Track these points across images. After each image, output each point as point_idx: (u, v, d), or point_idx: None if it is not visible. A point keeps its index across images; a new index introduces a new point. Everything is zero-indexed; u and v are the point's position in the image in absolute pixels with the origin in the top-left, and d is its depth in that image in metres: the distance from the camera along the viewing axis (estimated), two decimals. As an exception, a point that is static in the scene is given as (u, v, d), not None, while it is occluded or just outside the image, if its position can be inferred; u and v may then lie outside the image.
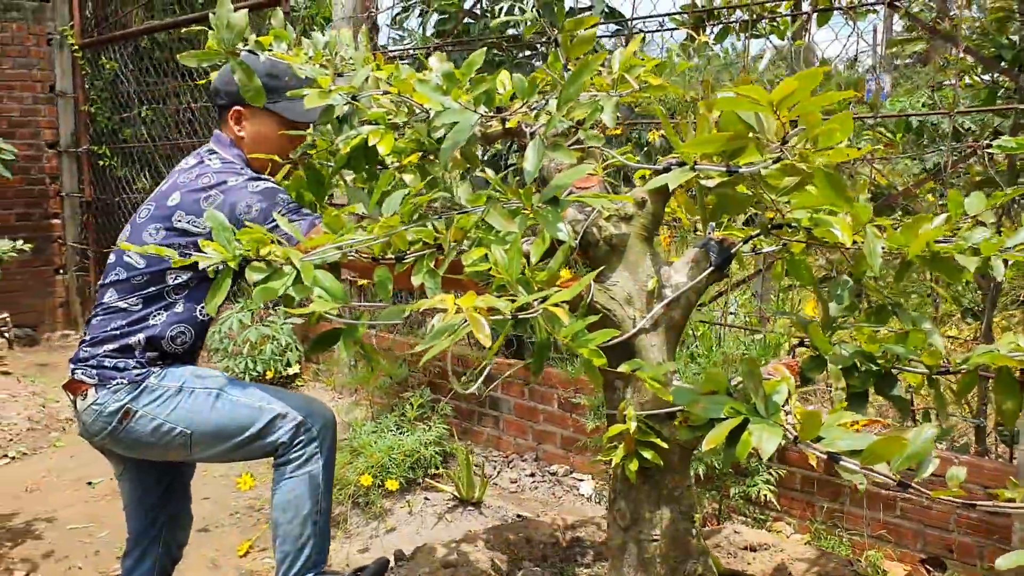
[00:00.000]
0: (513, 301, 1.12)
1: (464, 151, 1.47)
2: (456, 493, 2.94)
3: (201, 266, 1.29)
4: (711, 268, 1.45)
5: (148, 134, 5.46)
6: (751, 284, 3.45)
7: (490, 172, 1.37)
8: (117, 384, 1.74)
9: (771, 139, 0.97)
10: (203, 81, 2.13)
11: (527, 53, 3.66)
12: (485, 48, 1.53)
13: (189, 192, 1.78)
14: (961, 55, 2.43)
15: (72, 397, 1.80)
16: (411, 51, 4.02)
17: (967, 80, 2.84)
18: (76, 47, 5.61)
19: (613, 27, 3.61)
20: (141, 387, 1.75)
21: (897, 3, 2.50)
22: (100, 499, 3.20)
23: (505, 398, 3.46)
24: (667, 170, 1.30)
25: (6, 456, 3.65)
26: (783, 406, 1.21)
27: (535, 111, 1.36)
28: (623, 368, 1.28)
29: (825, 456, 1.14)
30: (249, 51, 1.60)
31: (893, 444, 1.08)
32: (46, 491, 3.29)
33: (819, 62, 3.17)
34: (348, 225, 1.39)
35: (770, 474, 2.62)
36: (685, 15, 2.68)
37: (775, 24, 2.77)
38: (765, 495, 2.59)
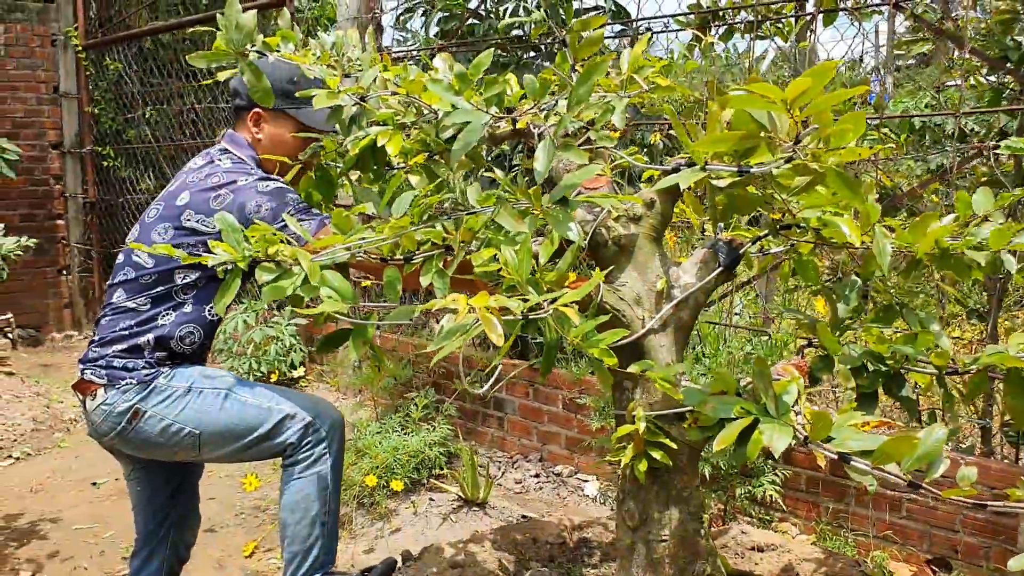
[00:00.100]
0: (524, 301, 1.12)
1: (471, 152, 1.47)
2: (461, 494, 2.94)
3: (210, 265, 1.30)
4: (720, 268, 1.45)
5: (152, 135, 5.47)
6: (755, 285, 3.45)
7: (499, 172, 1.37)
8: (126, 384, 1.74)
9: (783, 138, 0.97)
10: (208, 81, 2.13)
11: (532, 54, 3.66)
12: (491, 50, 1.53)
13: (199, 192, 1.78)
14: (967, 56, 2.42)
15: (81, 397, 1.80)
16: (415, 52, 4.03)
17: (971, 81, 2.83)
18: (80, 48, 5.62)
19: (617, 27, 3.61)
20: (150, 387, 1.75)
21: (903, 4, 2.50)
22: (105, 499, 3.20)
23: (509, 399, 3.46)
24: (676, 170, 1.30)
25: (11, 457, 3.66)
26: (793, 406, 1.21)
27: (545, 112, 1.36)
28: (633, 369, 1.28)
29: (836, 456, 1.14)
30: (260, 54, 1.60)
31: (904, 444, 1.08)
32: (51, 491, 3.29)
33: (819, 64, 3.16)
34: (357, 226, 1.39)
35: (776, 475, 2.62)
36: (691, 15, 2.68)
37: (779, 26, 2.77)
38: (771, 495, 2.59)
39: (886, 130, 3.19)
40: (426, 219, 1.36)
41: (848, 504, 2.55)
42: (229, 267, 1.31)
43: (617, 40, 3.79)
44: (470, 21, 3.85)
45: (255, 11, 1.58)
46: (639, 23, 3.33)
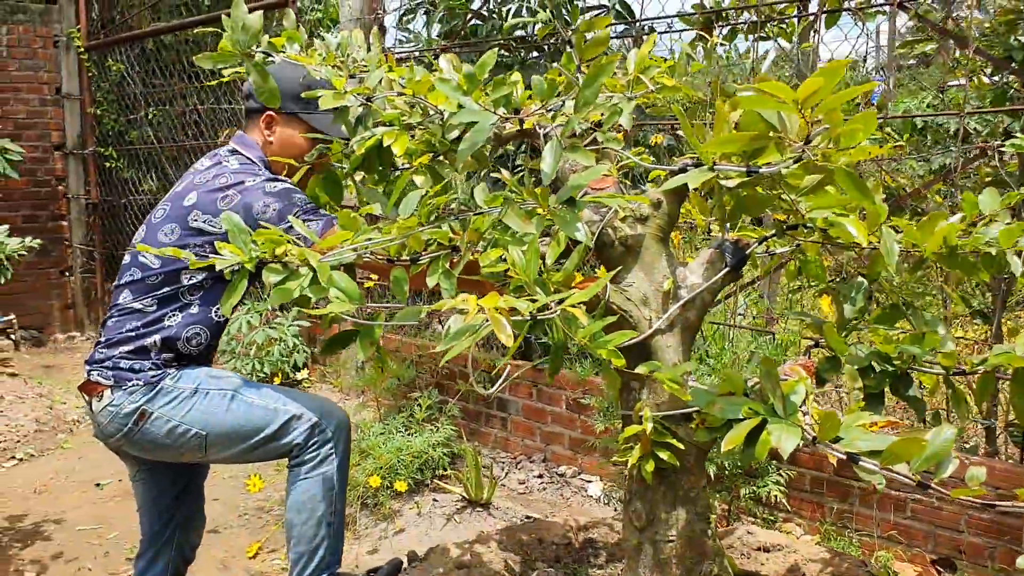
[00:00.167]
0: (533, 302, 1.12)
1: (476, 152, 1.47)
2: (465, 494, 2.94)
3: (217, 267, 1.30)
4: (727, 269, 1.45)
5: (154, 136, 5.47)
6: (758, 285, 3.45)
7: (505, 173, 1.37)
8: (133, 385, 1.74)
9: (794, 138, 0.97)
10: (213, 83, 2.14)
11: (535, 54, 3.66)
12: (496, 50, 1.53)
13: (206, 192, 1.79)
14: (971, 56, 2.42)
15: (87, 398, 1.80)
16: (417, 53, 4.03)
17: (975, 81, 2.83)
18: (82, 49, 5.63)
19: (621, 27, 3.61)
20: (156, 388, 1.75)
21: (907, 4, 2.50)
22: (108, 500, 3.20)
23: (513, 399, 3.46)
24: (683, 170, 1.30)
25: (14, 458, 3.66)
26: (800, 407, 1.21)
27: (551, 112, 1.36)
28: (641, 369, 1.28)
29: (844, 457, 1.14)
30: (266, 55, 1.60)
31: (913, 445, 1.08)
32: (54, 492, 3.29)
33: (824, 64, 3.16)
34: (363, 226, 1.39)
35: (780, 475, 2.62)
36: (695, 15, 2.68)
37: (783, 27, 2.77)
38: (775, 496, 2.59)
39: (888, 130, 3.19)
40: (433, 220, 1.36)
41: (852, 504, 2.55)
42: (236, 268, 1.31)
43: (620, 40, 3.79)
44: (473, 22, 3.85)
45: (261, 12, 1.58)
46: (642, 23, 3.33)
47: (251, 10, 1.59)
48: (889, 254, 1.24)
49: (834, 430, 1.14)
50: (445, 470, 3.15)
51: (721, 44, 2.67)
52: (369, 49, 1.70)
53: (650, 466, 1.36)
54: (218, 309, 1.81)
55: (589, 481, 3.17)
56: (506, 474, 3.28)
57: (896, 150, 3.05)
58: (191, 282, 1.78)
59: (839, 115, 0.93)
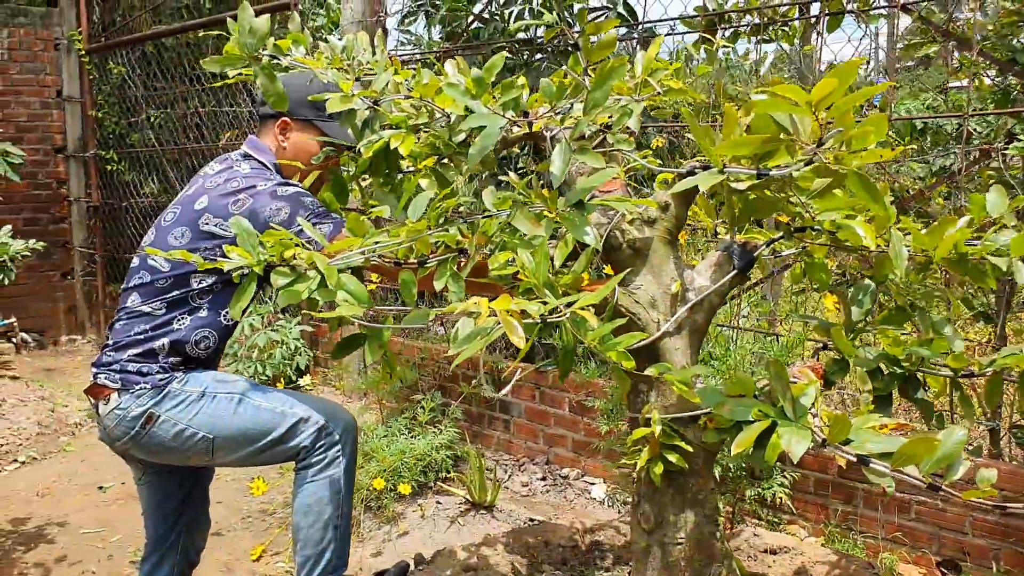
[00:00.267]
0: (543, 305, 1.12)
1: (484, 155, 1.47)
2: (468, 497, 2.93)
3: (225, 270, 1.30)
4: (734, 271, 1.45)
5: (155, 139, 5.47)
6: (761, 286, 3.45)
7: (514, 176, 1.37)
8: (140, 389, 1.74)
9: (806, 141, 0.97)
10: (218, 84, 2.14)
11: (538, 56, 3.67)
12: (503, 52, 1.53)
13: (218, 196, 1.79)
14: (974, 58, 2.43)
15: (94, 401, 1.79)
16: (419, 55, 4.03)
17: (977, 83, 2.84)
18: (83, 52, 5.63)
19: (623, 29, 3.61)
20: (164, 392, 1.75)
21: (909, 6, 2.51)
22: (112, 503, 3.20)
23: (516, 401, 3.46)
24: (691, 173, 1.30)
25: (16, 461, 3.65)
26: (810, 409, 1.21)
27: (560, 115, 1.37)
28: (651, 372, 1.28)
29: (854, 459, 1.14)
30: (273, 57, 1.60)
31: (924, 446, 1.08)
32: (57, 496, 3.29)
33: (826, 66, 3.16)
34: (372, 229, 1.39)
35: (784, 477, 2.62)
36: (697, 17, 2.69)
37: (785, 29, 2.77)
38: (780, 498, 2.59)
39: (890, 132, 3.19)
40: (442, 223, 1.37)
41: (857, 506, 2.55)
42: (245, 272, 1.31)
43: (623, 43, 3.79)
44: (475, 25, 3.85)
45: (268, 15, 1.58)
46: (645, 25, 3.33)
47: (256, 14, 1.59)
48: (898, 257, 1.24)
49: (844, 432, 1.14)
50: (448, 472, 3.15)
51: (724, 47, 2.67)
52: (374, 52, 1.70)
53: (659, 468, 1.36)
54: (227, 313, 1.81)
55: (592, 483, 3.17)
56: (509, 476, 3.27)
57: (899, 152, 3.05)
58: (201, 285, 1.78)
59: (851, 118, 0.93)
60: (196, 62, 5.04)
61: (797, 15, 2.68)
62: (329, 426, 1.82)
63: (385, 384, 3.49)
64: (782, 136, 0.99)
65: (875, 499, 2.52)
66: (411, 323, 1.31)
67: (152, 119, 5.43)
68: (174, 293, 1.78)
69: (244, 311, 1.35)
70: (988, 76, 2.91)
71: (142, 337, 1.77)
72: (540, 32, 3.57)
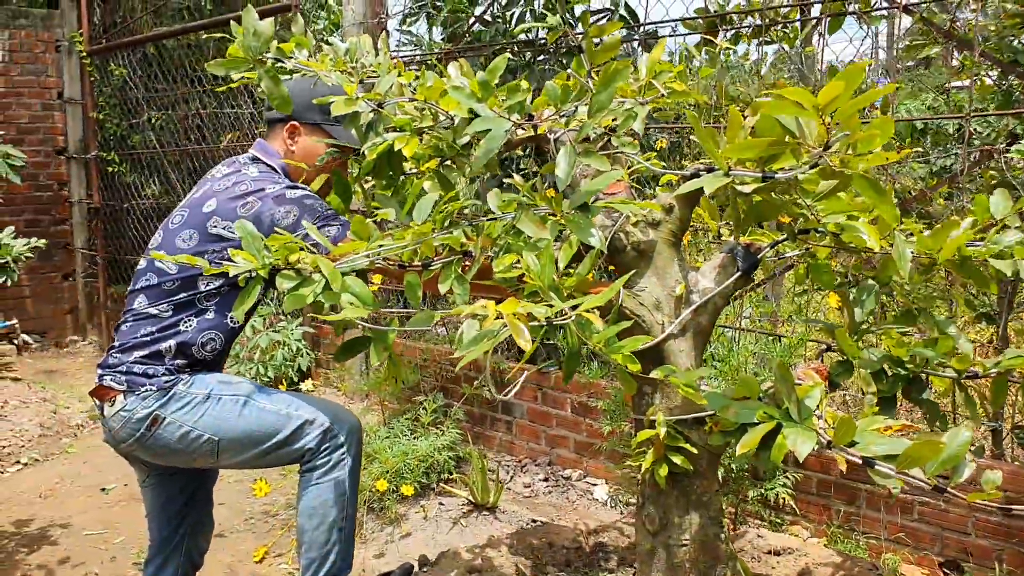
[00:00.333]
0: (550, 307, 1.12)
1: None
2: (470, 498, 2.94)
3: (231, 274, 1.30)
4: (738, 273, 1.45)
5: (157, 140, 5.48)
6: (763, 287, 3.45)
7: (518, 178, 1.38)
8: (146, 391, 1.74)
9: (813, 144, 0.97)
10: (223, 88, 2.14)
11: (540, 57, 3.67)
12: (507, 54, 1.53)
13: (227, 199, 1.79)
14: (976, 59, 2.43)
15: (99, 403, 1.80)
16: (420, 56, 4.03)
17: (979, 83, 2.84)
18: (84, 53, 5.63)
19: (624, 31, 3.61)
20: (170, 394, 1.76)
21: (911, 7, 2.51)
22: (114, 505, 3.20)
23: (518, 403, 3.46)
24: (695, 175, 1.30)
25: (18, 462, 3.66)
26: (814, 411, 1.21)
27: (564, 118, 1.37)
28: (656, 374, 1.28)
29: (859, 461, 1.14)
30: (276, 60, 1.60)
31: (929, 448, 1.08)
32: (60, 497, 3.29)
33: (827, 66, 3.17)
34: (376, 232, 1.39)
35: (787, 477, 2.62)
36: (699, 19, 2.69)
37: (785, 31, 2.78)
38: (783, 498, 2.59)
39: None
40: (447, 225, 1.37)
41: (859, 507, 2.56)
42: (250, 276, 1.32)
43: (624, 44, 3.80)
44: (476, 27, 3.85)
45: (271, 18, 1.58)
46: (646, 27, 3.34)
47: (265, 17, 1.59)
48: (902, 259, 1.24)
49: (850, 434, 1.14)
50: (451, 474, 3.15)
51: (727, 49, 2.67)
52: (377, 54, 1.70)
53: (663, 470, 1.37)
54: (233, 315, 1.82)
55: (595, 484, 3.17)
56: (511, 478, 3.28)
57: (902, 153, 3.05)
58: (208, 288, 1.78)
59: (857, 120, 0.93)
60: (197, 63, 5.05)
61: (799, 17, 2.69)
62: (334, 428, 1.82)
63: (387, 385, 3.49)
64: (788, 139, 0.99)
65: (877, 500, 2.52)
66: (416, 325, 1.31)
67: (153, 121, 5.44)
68: (181, 295, 1.78)
69: (249, 314, 1.36)
70: (989, 77, 2.91)
71: (148, 339, 1.77)
72: (541, 33, 3.57)
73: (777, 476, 2.62)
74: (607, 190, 1.46)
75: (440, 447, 3.14)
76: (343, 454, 1.82)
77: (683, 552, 1.42)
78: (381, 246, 1.36)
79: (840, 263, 1.61)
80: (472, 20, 3.85)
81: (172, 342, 1.77)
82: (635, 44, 3.56)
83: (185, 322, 1.78)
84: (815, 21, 2.71)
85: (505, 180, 1.69)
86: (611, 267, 1.53)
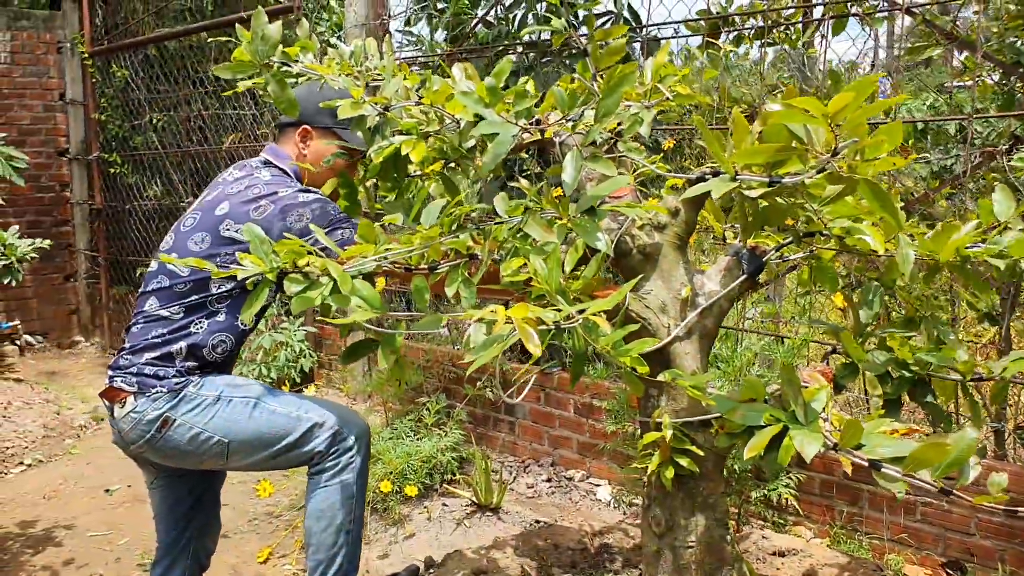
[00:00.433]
0: (558, 311, 1.13)
1: (494, 161, 1.48)
2: (474, 499, 2.94)
3: (239, 277, 1.30)
4: (744, 276, 1.46)
5: (159, 141, 5.48)
6: (766, 288, 3.46)
7: (524, 182, 1.38)
8: (156, 392, 1.75)
9: (820, 150, 0.98)
10: (229, 92, 2.14)
11: (544, 59, 3.67)
12: (510, 57, 1.54)
13: (239, 202, 1.80)
14: (978, 60, 2.43)
15: (109, 405, 1.80)
16: (422, 58, 4.04)
17: (980, 84, 2.84)
18: (86, 55, 5.64)
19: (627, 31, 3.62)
20: (180, 395, 1.76)
21: (914, 9, 2.52)
22: (118, 506, 3.21)
23: (520, 403, 3.47)
24: (702, 179, 1.31)
25: (22, 464, 3.66)
26: (820, 413, 1.22)
27: (571, 122, 1.37)
28: (663, 377, 1.29)
29: (865, 463, 1.15)
30: (283, 64, 1.61)
31: (935, 450, 1.09)
32: (64, 498, 3.30)
33: (827, 69, 3.18)
34: (382, 235, 1.40)
35: (790, 478, 2.63)
36: (701, 21, 2.70)
37: (787, 32, 2.78)
38: (786, 499, 2.60)
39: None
40: (454, 229, 1.37)
41: (862, 508, 2.56)
42: (258, 279, 1.32)
43: (627, 47, 3.80)
44: (479, 29, 3.86)
45: (280, 22, 1.59)
46: (648, 30, 3.34)
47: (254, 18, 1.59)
48: (905, 261, 1.25)
49: (856, 437, 1.15)
50: (454, 474, 3.16)
51: (730, 51, 2.68)
52: (382, 57, 1.71)
53: (670, 472, 1.37)
54: (242, 318, 1.83)
55: (598, 485, 3.18)
56: (514, 478, 3.28)
57: (904, 154, 3.06)
58: (220, 290, 1.79)
59: (865, 128, 0.94)
60: (199, 65, 5.05)
61: (801, 19, 2.69)
62: (343, 431, 1.83)
63: (390, 387, 3.50)
64: (796, 145, 1.00)
65: (880, 500, 2.53)
66: (423, 328, 1.32)
67: (155, 122, 5.44)
68: (193, 298, 1.79)
69: (259, 317, 1.36)
70: (991, 78, 2.91)
71: (159, 341, 1.78)
72: (544, 35, 3.57)
73: (780, 477, 2.63)
74: (613, 194, 1.47)
75: (443, 448, 3.14)
76: (352, 457, 1.82)
77: (689, 554, 1.43)
78: (388, 249, 1.37)
79: (843, 264, 1.61)
80: (475, 22, 3.85)
81: (183, 344, 1.78)
82: (637, 47, 3.56)
83: (196, 324, 1.79)
84: (817, 23, 2.72)
85: (513, 184, 1.70)
86: (617, 270, 1.54)
